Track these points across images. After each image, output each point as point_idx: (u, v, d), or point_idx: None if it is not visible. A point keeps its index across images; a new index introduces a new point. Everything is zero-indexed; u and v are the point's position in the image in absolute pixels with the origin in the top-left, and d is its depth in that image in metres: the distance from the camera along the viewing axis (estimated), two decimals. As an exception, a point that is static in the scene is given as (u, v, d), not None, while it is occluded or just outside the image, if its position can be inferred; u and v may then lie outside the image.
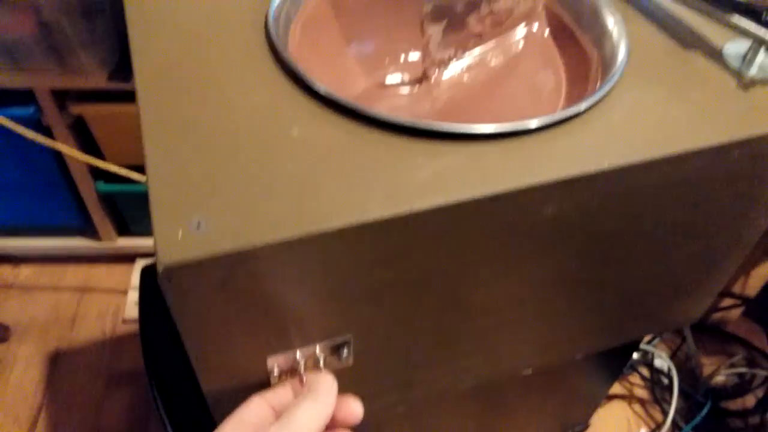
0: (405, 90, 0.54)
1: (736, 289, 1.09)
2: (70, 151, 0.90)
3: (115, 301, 1.20)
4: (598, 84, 0.46)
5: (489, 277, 0.44)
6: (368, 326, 0.43)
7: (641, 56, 0.47)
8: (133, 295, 1.19)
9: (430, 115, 0.51)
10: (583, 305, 0.53)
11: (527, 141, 0.40)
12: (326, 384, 0.39)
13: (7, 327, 1.14)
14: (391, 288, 0.41)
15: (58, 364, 1.11)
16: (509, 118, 0.48)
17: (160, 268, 0.32)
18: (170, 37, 0.46)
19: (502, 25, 0.54)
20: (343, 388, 0.40)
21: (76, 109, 0.97)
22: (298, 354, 0.42)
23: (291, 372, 0.43)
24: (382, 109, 0.49)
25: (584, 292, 0.51)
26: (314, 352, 0.42)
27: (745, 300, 1.10)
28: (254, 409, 0.38)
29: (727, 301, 1.11)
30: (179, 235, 0.33)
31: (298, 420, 0.36)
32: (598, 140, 0.40)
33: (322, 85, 0.42)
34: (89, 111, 0.98)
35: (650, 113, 0.42)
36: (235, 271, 0.34)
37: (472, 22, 0.53)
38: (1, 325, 1.13)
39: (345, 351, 0.43)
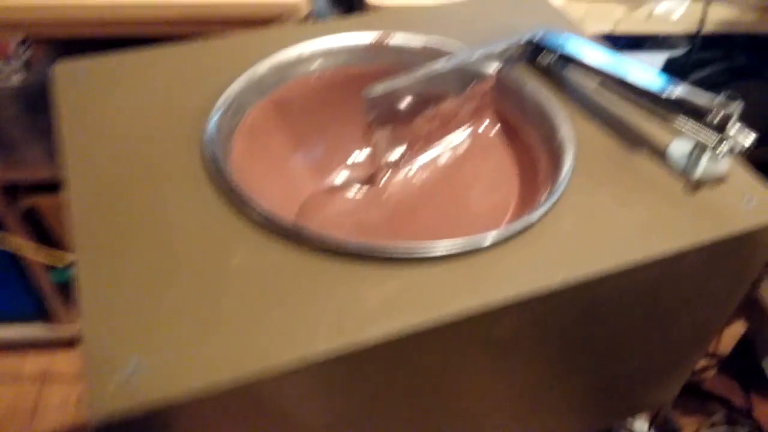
0: (354, 194, 0.53)
1: (710, 348, 1.09)
2: (19, 246, 0.88)
3: (76, 389, 1.15)
4: (548, 186, 0.46)
5: (451, 392, 0.43)
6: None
7: (588, 157, 0.46)
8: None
9: (380, 223, 0.50)
10: (553, 402, 0.52)
11: (479, 258, 0.39)
12: None
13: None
14: (349, 412, 0.40)
15: (16, 462, 1.06)
16: (460, 224, 0.48)
17: (91, 422, 0.30)
18: (105, 156, 0.45)
19: (449, 125, 0.53)
20: None
21: (27, 201, 0.95)
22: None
23: None
24: (330, 217, 0.48)
25: (553, 391, 0.50)
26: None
27: (719, 359, 1.09)
28: None
29: (702, 362, 1.11)
30: (112, 383, 0.31)
31: None
32: (550, 253, 0.40)
33: (262, 208, 0.40)
34: (41, 201, 0.96)
35: (600, 221, 0.42)
36: (173, 419, 0.32)
37: (420, 123, 0.52)
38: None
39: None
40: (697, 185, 0.44)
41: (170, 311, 0.35)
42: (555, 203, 0.42)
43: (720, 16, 0.84)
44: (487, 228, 0.49)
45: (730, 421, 1.08)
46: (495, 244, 0.40)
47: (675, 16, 0.82)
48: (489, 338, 0.40)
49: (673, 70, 0.91)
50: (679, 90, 0.45)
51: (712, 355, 1.09)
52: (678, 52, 0.91)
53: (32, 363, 1.19)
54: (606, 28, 0.83)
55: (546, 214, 0.42)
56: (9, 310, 1.15)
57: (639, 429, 1.07)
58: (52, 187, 0.94)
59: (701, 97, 0.44)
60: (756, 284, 0.75)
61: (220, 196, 0.42)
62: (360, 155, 0.55)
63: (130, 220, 0.40)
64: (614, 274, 0.39)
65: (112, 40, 0.65)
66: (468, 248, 0.39)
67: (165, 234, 0.40)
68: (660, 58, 0.90)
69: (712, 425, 1.08)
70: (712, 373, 1.14)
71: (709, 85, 0.94)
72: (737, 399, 1.11)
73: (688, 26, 0.84)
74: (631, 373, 0.53)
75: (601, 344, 0.47)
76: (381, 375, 0.38)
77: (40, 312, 1.13)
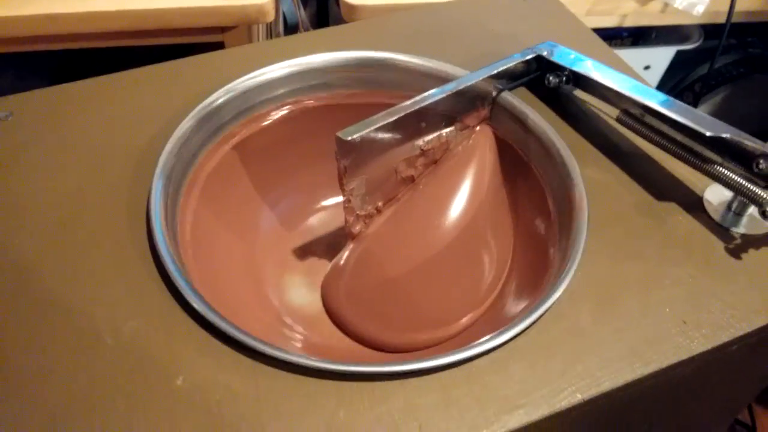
0: (327, 252, 0.45)
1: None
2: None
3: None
4: (555, 243, 0.38)
5: None
6: None
7: (605, 211, 0.38)
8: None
9: (355, 294, 0.42)
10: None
11: (477, 367, 0.31)
12: None
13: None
14: None
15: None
16: (450, 295, 0.40)
17: None
18: (28, 235, 0.36)
19: (437, 165, 0.45)
20: None
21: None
22: None
23: None
24: (297, 283, 0.41)
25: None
26: None
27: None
28: None
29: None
30: None
31: None
32: (565, 358, 0.31)
33: (208, 312, 0.32)
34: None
35: (626, 307, 0.33)
36: None
37: (402, 165, 0.44)
38: None
39: None
40: (741, 243, 0.36)
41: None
42: (568, 284, 0.34)
43: (742, 7, 0.76)
44: (484, 296, 0.41)
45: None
46: (498, 347, 0.32)
47: (700, 9, 0.73)
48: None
49: (684, 63, 0.83)
50: (725, 132, 0.36)
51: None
52: (689, 45, 0.82)
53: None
54: (615, 21, 0.75)
55: (558, 300, 0.33)
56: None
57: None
58: None
59: (749, 141, 0.35)
60: None
61: (166, 290, 0.34)
62: (334, 204, 0.47)
63: (56, 324, 0.32)
64: (644, 379, 0.31)
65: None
66: (457, 360, 0.31)
67: (95, 340, 0.31)
68: (669, 51, 0.82)
69: None
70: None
71: (722, 77, 0.86)
72: (741, 415, 1.05)
73: (707, 17, 0.75)
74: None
75: None
76: None
77: None
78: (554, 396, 0.30)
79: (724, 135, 0.36)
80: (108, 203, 0.38)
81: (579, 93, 0.45)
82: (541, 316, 0.33)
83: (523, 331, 0.32)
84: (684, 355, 0.32)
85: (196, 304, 0.32)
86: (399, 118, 0.40)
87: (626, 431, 0.40)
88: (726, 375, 0.38)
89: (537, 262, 0.39)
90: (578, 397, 0.30)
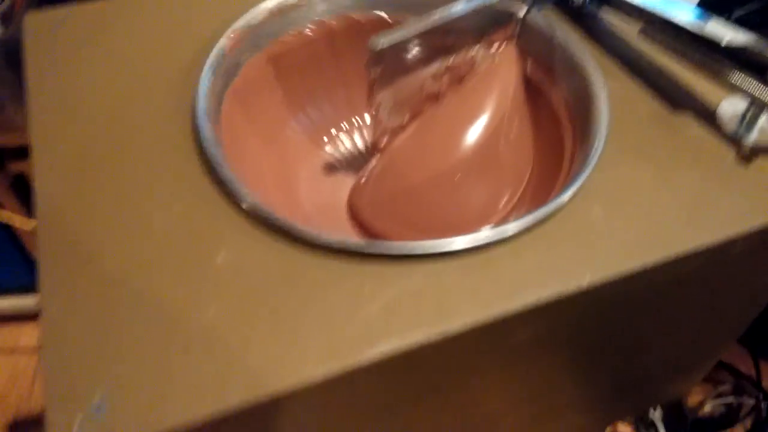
0: (354, 166, 0.47)
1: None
2: (9, 218, 0.83)
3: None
4: (576, 158, 0.40)
5: (463, 400, 0.38)
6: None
7: (625, 121, 0.40)
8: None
9: (380, 202, 0.44)
10: (572, 402, 0.47)
11: (495, 253, 0.33)
12: None
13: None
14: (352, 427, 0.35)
15: (18, 435, 1.04)
16: (470, 204, 0.42)
17: None
18: (77, 123, 0.39)
19: (463, 81, 0.47)
20: None
21: (15, 166, 0.90)
22: None
23: None
24: (324, 192, 0.43)
25: (572, 390, 0.45)
26: None
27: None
28: None
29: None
30: (75, 427, 0.26)
31: None
32: (578, 246, 0.34)
33: (250, 196, 0.34)
34: (29, 168, 0.90)
35: (637, 206, 0.36)
36: None
37: (428, 81, 0.46)
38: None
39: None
40: (751, 154, 0.38)
41: (143, 329, 0.30)
42: (584, 183, 0.36)
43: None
44: (502, 207, 0.43)
45: (738, 392, 1.03)
46: (514, 236, 0.34)
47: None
48: (502, 348, 0.35)
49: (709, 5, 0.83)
50: (741, 38, 0.38)
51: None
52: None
53: (29, 335, 1.16)
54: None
55: (574, 196, 0.36)
56: (5, 281, 1.11)
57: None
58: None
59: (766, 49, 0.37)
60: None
61: (207, 176, 0.36)
62: (363, 118, 0.49)
63: (103, 208, 0.35)
64: (650, 269, 0.33)
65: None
66: (481, 243, 0.33)
67: (142, 225, 0.34)
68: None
69: (719, 395, 1.03)
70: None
71: (749, 25, 0.86)
72: (746, 368, 1.06)
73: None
74: (657, 369, 0.48)
75: (627, 341, 0.42)
76: (382, 390, 0.33)
77: (36, 284, 1.09)
78: (566, 278, 0.32)
79: (740, 43, 0.37)
80: (157, 98, 0.41)
81: (603, 12, 0.47)
82: (556, 210, 0.35)
83: (538, 223, 0.34)
84: (690, 246, 0.34)
85: (236, 188, 0.34)
86: (426, 32, 0.41)
87: (630, 343, 0.42)
88: (726, 282, 0.40)
89: (555, 173, 0.41)
90: (588, 279, 0.32)
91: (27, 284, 1.11)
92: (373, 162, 0.46)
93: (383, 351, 0.29)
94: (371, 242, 0.33)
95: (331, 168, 0.49)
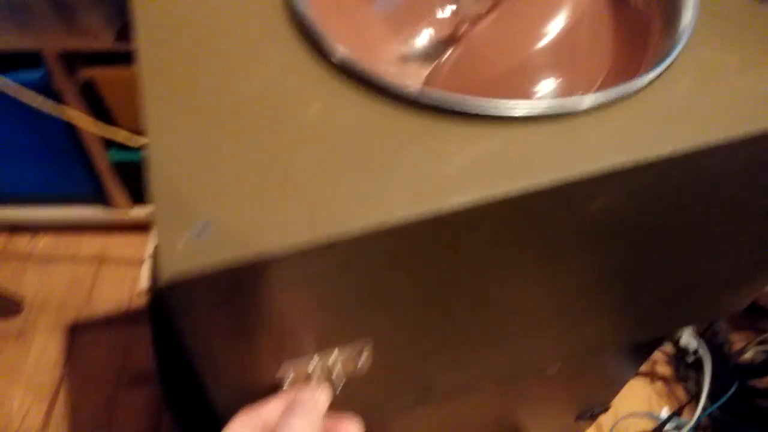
0: (430, 59, 0.48)
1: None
2: (78, 118, 0.86)
3: (131, 272, 1.18)
4: (662, 43, 0.40)
5: (520, 277, 0.39)
6: (389, 330, 0.39)
7: (710, 7, 0.40)
8: (149, 267, 1.17)
9: (463, 84, 0.45)
10: (621, 300, 0.48)
11: (578, 121, 0.34)
12: (312, 400, 0.37)
13: (19, 301, 1.12)
14: (414, 291, 0.37)
15: (76, 336, 1.09)
16: (552, 85, 0.43)
17: (160, 281, 0.28)
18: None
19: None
20: (359, 392, 0.37)
21: (86, 72, 0.93)
22: (314, 360, 0.38)
23: (305, 378, 0.38)
24: (408, 76, 0.44)
25: (623, 287, 0.46)
26: (330, 358, 0.38)
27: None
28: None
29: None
30: (182, 243, 0.29)
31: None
32: (660, 119, 0.34)
33: (341, 50, 0.36)
34: (99, 74, 0.93)
35: (722, 85, 0.36)
36: (243, 282, 0.30)
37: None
38: (13, 300, 1.11)
39: (363, 355, 0.39)
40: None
41: (243, 166, 0.32)
42: (671, 64, 0.37)
43: None
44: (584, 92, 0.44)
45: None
46: (596, 107, 0.35)
47: None
48: (574, 216, 0.36)
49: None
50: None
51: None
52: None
53: (89, 244, 1.22)
54: None
55: (659, 76, 0.36)
56: (68, 191, 1.15)
57: (685, 342, 1.03)
58: (112, 58, 0.91)
59: None
60: None
61: (300, 37, 0.38)
62: (443, 17, 0.50)
63: (201, 64, 0.37)
64: (733, 144, 0.34)
65: None
66: (564, 110, 0.34)
67: (239, 78, 0.36)
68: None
69: (761, 342, 1.03)
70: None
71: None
72: None
73: None
74: (714, 272, 0.49)
75: (694, 232, 0.42)
76: (452, 251, 0.34)
77: (97, 194, 1.14)
78: (648, 145, 0.33)
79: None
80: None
81: None
82: (641, 87, 0.35)
83: (622, 97, 0.35)
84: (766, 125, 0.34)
85: (327, 42, 0.36)
86: None
87: (695, 238, 0.43)
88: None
89: (636, 63, 0.42)
90: (669, 148, 0.33)
91: (89, 195, 1.15)
92: (450, 51, 0.47)
93: (466, 200, 0.31)
94: (461, 98, 0.34)
95: (407, 59, 0.50)
